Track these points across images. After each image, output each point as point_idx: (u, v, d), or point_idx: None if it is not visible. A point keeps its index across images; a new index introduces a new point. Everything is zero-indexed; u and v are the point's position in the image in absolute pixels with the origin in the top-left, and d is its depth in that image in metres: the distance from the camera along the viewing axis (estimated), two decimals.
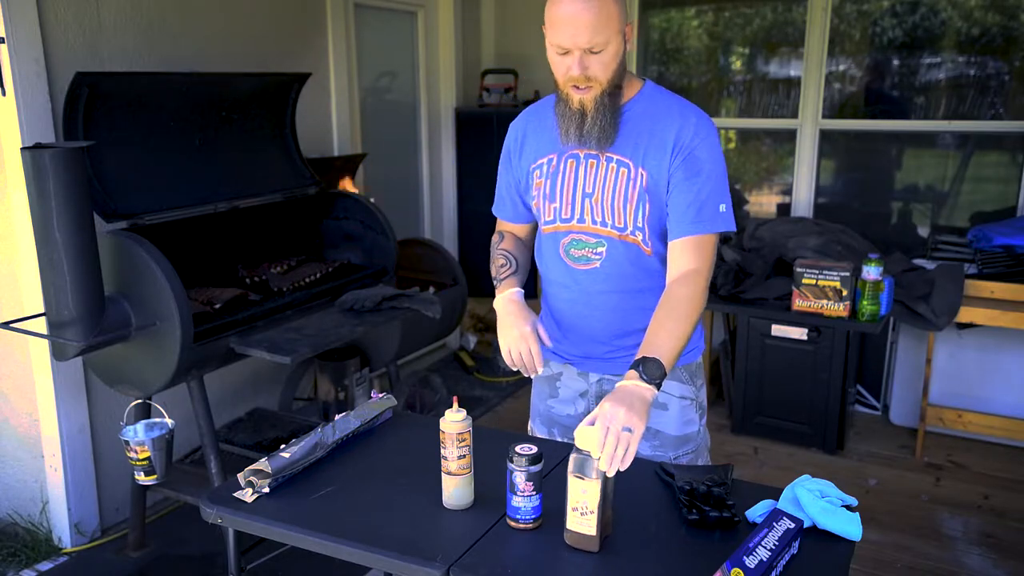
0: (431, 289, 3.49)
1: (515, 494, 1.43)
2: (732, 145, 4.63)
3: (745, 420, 3.85)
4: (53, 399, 2.83)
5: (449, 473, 1.50)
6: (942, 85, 4.06)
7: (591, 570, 1.35)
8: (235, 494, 1.55)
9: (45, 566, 2.84)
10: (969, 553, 2.96)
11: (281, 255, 3.31)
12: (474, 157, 4.86)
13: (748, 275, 3.78)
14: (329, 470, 1.65)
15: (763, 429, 3.82)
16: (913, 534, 3.06)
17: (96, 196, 2.56)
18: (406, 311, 3.00)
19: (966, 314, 3.47)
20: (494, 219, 1.97)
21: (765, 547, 1.31)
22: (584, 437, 1.36)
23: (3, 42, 2.55)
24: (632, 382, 1.48)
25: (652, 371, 1.49)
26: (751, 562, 1.27)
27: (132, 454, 2.41)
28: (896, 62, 4.14)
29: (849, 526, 1.43)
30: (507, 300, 1.77)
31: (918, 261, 3.84)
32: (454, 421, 1.49)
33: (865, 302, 3.35)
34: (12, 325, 2.50)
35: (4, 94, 2.59)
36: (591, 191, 1.70)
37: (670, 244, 1.68)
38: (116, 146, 2.67)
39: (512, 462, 1.41)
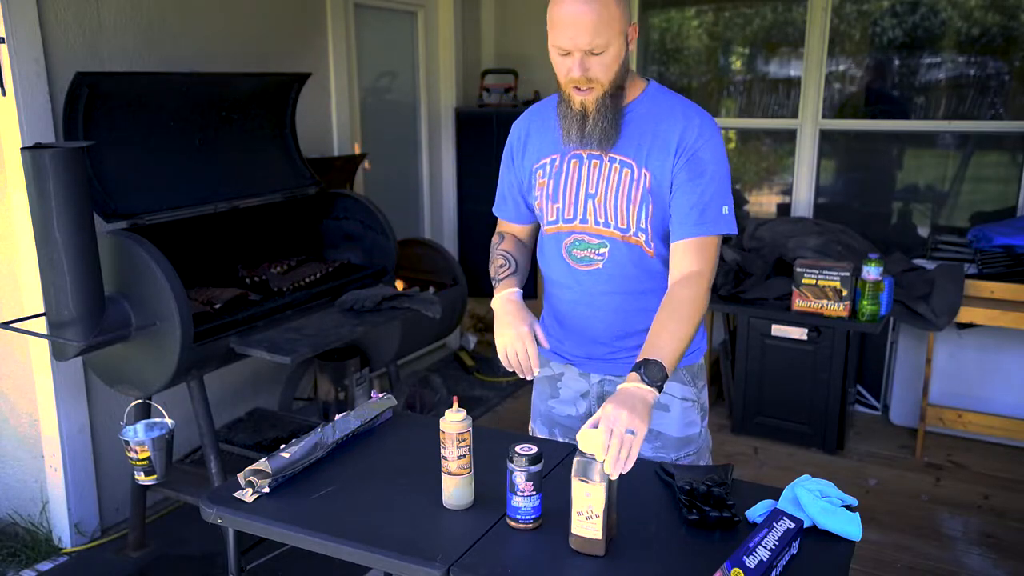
0: (431, 289, 3.49)
1: (515, 494, 1.43)
2: (732, 145, 4.63)
3: (745, 420, 3.85)
4: (53, 399, 2.83)
5: (449, 473, 1.50)
6: (942, 85, 4.06)
7: (591, 570, 1.35)
8: (235, 494, 1.55)
9: (45, 566, 2.84)
10: (969, 553, 2.96)
11: (281, 255, 3.31)
12: (474, 157, 4.86)
13: (748, 275, 3.78)
14: (329, 470, 1.65)
15: (763, 429, 3.82)
16: (913, 534, 3.06)
17: (96, 196, 2.56)
18: (406, 311, 3.00)
19: (966, 314, 3.47)
20: (494, 219, 1.96)
21: (765, 547, 1.31)
22: (587, 440, 1.35)
23: (3, 42, 2.55)
24: (634, 384, 1.47)
25: (654, 373, 1.49)
26: (751, 562, 1.27)
27: (132, 454, 2.41)
28: (896, 62, 4.14)
29: (849, 526, 1.43)
30: (505, 300, 1.76)
31: (918, 261, 3.84)
32: (454, 421, 1.49)
33: (865, 302, 3.35)
34: (12, 325, 2.50)
35: (4, 94, 2.59)
36: (594, 192, 1.70)
37: (672, 246, 1.67)
38: (116, 146, 2.67)
39: (512, 462, 1.41)
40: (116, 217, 2.61)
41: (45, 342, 2.70)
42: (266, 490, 1.55)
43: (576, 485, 1.36)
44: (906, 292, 3.57)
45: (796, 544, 1.38)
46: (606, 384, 1.84)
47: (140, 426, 2.47)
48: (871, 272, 3.33)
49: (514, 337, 1.68)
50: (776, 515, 1.40)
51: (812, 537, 1.43)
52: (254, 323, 2.75)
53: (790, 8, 4.32)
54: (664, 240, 1.70)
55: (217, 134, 3.04)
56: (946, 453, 3.72)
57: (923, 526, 3.12)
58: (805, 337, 3.61)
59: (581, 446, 1.36)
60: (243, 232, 3.20)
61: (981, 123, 3.99)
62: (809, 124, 4.33)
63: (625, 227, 1.69)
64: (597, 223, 1.71)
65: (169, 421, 2.47)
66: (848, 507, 1.48)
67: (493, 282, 1.83)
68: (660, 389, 1.49)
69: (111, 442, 3.02)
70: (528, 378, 1.69)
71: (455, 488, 1.51)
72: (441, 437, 1.49)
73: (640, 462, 1.68)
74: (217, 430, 2.84)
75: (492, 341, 4.86)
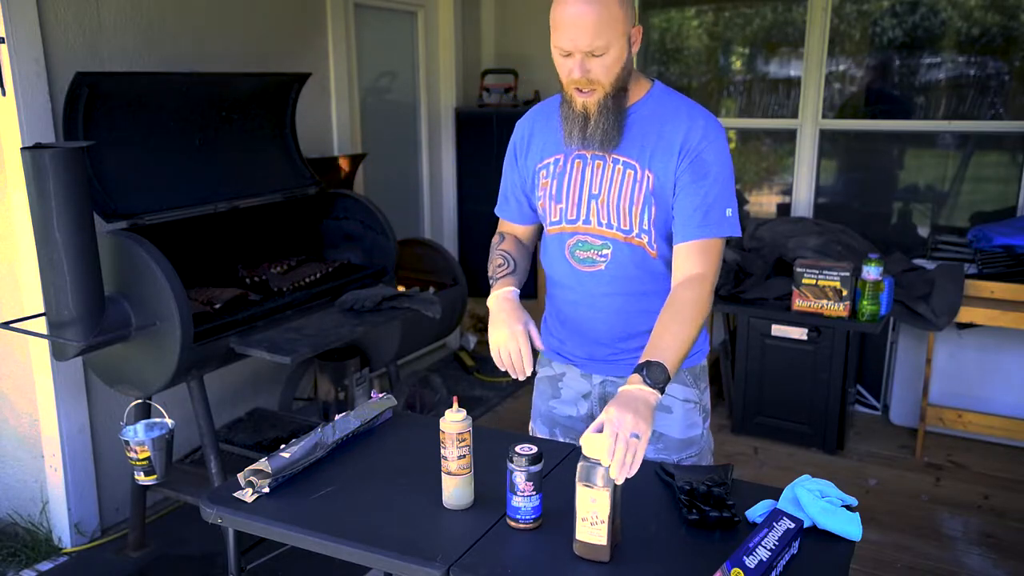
0: (431, 289, 3.49)
1: (515, 494, 1.42)
2: (732, 145, 4.63)
3: (745, 420, 3.85)
4: (53, 399, 2.83)
5: (449, 473, 1.50)
6: (942, 85, 4.06)
7: (591, 570, 1.35)
8: (235, 494, 1.55)
9: (45, 566, 2.84)
10: (969, 553, 2.96)
11: (281, 255, 3.31)
12: (474, 157, 4.86)
13: (748, 275, 3.78)
14: (329, 470, 1.65)
15: (763, 429, 3.82)
16: (913, 534, 3.06)
17: (96, 196, 2.56)
18: (406, 311, 3.00)
19: (966, 314, 3.47)
20: (494, 219, 1.96)
21: (765, 547, 1.31)
22: (592, 445, 1.34)
23: (3, 42, 2.55)
24: (636, 386, 1.46)
25: (656, 375, 1.48)
26: (751, 562, 1.27)
27: (132, 454, 2.41)
28: (896, 62, 4.14)
29: (849, 526, 1.43)
30: (501, 299, 1.75)
31: (918, 261, 3.84)
32: (454, 421, 1.49)
33: (865, 302, 3.35)
34: (12, 325, 2.50)
35: (4, 94, 2.59)
36: (597, 192, 1.69)
37: (675, 248, 1.67)
38: (116, 146, 2.67)
39: (512, 462, 1.41)
40: (116, 217, 2.61)
41: (45, 342, 2.70)
42: (266, 490, 1.55)
43: (580, 491, 1.34)
44: (906, 292, 3.57)
45: (796, 544, 1.38)
46: (608, 385, 1.83)
47: (140, 426, 2.47)
48: (871, 272, 3.33)
49: (508, 336, 1.66)
50: (776, 515, 1.40)
51: (812, 537, 1.43)
52: (254, 323, 2.75)
53: (790, 8, 4.32)
54: (667, 241, 1.70)
55: (217, 134, 3.04)
56: (946, 453, 3.72)
57: (923, 526, 3.12)
58: (805, 337, 3.61)
59: (585, 451, 1.34)
60: (243, 232, 3.20)
61: (981, 123, 3.99)
62: (809, 124, 4.33)
63: (628, 228, 1.68)
64: (600, 224, 1.70)
65: (169, 421, 2.47)
66: (848, 507, 1.48)
67: (490, 281, 1.82)
68: (662, 391, 1.48)
69: (111, 442, 3.02)
70: (520, 378, 1.66)
71: (455, 488, 1.50)
72: (441, 437, 1.49)
73: (641, 463, 1.69)
74: (217, 430, 2.84)
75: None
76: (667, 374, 1.49)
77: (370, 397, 1.91)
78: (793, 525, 1.38)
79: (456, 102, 4.82)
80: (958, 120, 4.03)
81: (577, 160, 1.72)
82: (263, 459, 1.56)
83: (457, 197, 4.97)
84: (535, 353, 1.70)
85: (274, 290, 3.00)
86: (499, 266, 1.81)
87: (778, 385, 3.74)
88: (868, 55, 4.19)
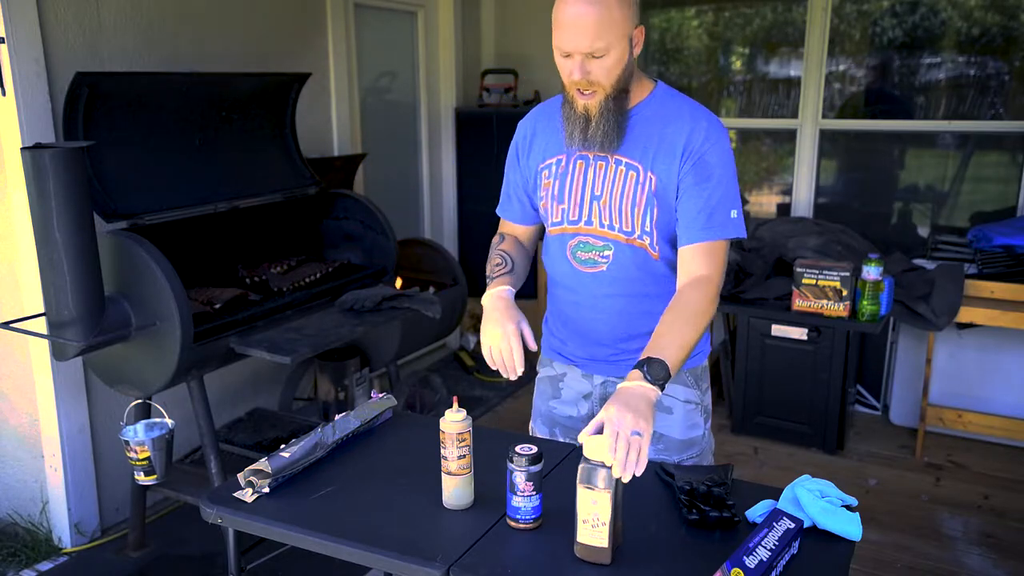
0: (431, 289, 3.49)
1: (515, 494, 1.42)
2: (732, 145, 4.62)
3: (745, 420, 3.85)
4: (53, 399, 2.83)
5: (449, 473, 1.50)
6: (942, 85, 4.06)
7: (591, 569, 1.34)
8: (235, 494, 1.55)
9: (45, 566, 2.84)
10: (969, 553, 2.96)
11: (281, 255, 3.31)
12: (474, 157, 4.86)
13: (748, 275, 3.78)
14: (329, 470, 1.65)
15: (763, 429, 3.82)
16: (913, 534, 3.06)
17: (96, 196, 2.56)
18: (406, 311, 3.00)
19: (966, 314, 3.47)
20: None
21: (765, 547, 1.31)
22: (593, 447, 1.33)
23: (3, 42, 2.55)
24: (635, 383, 1.46)
25: (656, 372, 1.47)
26: (751, 562, 1.27)
27: (132, 454, 2.41)
28: (896, 62, 4.14)
29: (849, 526, 1.43)
30: (495, 297, 1.73)
31: (918, 261, 3.84)
32: (454, 421, 1.49)
33: (865, 302, 3.35)
34: (12, 325, 2.50)
35: (4, 94, 2.59)
36: (599, 194, 1.69)
37: (680, 250, 1.66)
38: (116, 146, 2.67)
39: (512, 462, 1.40)
40: (116, 217, 2.61)
41: (45, 342, 2.70)
42: (266, 490, 1.55)
43: (581, 493, 1.34)
44: (906, 292, 3.57)
45: (796, 544, 1.37)
46: (609, 386, 1.83)
47: (140, 426, 2.47)
48: (871, 272, 3.33)
49: (500, 335, 1.64)
50: (776, 515, 1.40)
51: (812, 537, 1.43)
52: (254, 323, 2.75)
53: (790, 8, 4.32)
54: (670, 243, 1.69)
55: (217, 134, 3.04)
56: (946, 453, 3.72)
57: (923, 526, 3.12)
58: (805, 337, 3.61)
59: (586, 453, 1.33)
60: (243, 232, 3.20)
61: (981, 123, 3.99)
62: (809, 124, 4.33)
63: (630, 230, 1.68)
64: (602, 225, 1.70)
65: (169, 421, 2.47)
66: (848, 507, 1.48)
67: (487, 280, 1.80)
68: (662, 388, 1.47)
69: (111, 442, 3.02)
70: (512, 378, 1.65)
71: (455, 488, 1.50)
72: (441, 437, 1.49)
73: None
74: (217, 430, 2.84)
75: None
76: (668, 371, 1.48)
77: (370, 397, 1.91)
78: (793, 525, 1.38)
79: (456, 102, 4.82)
80: (958, 120, 4.03)
81: (579, 161, 1.71)
82: (263, 459, 1.56)
83: (457, 197, 4.97)
84: (533, 353, 1.70)
85: (274, 290, 3.00)
86: (497, 265, 1.81)
87: (778, 385, 3.74)
88: (868, 55, 4.19)
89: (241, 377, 3.53)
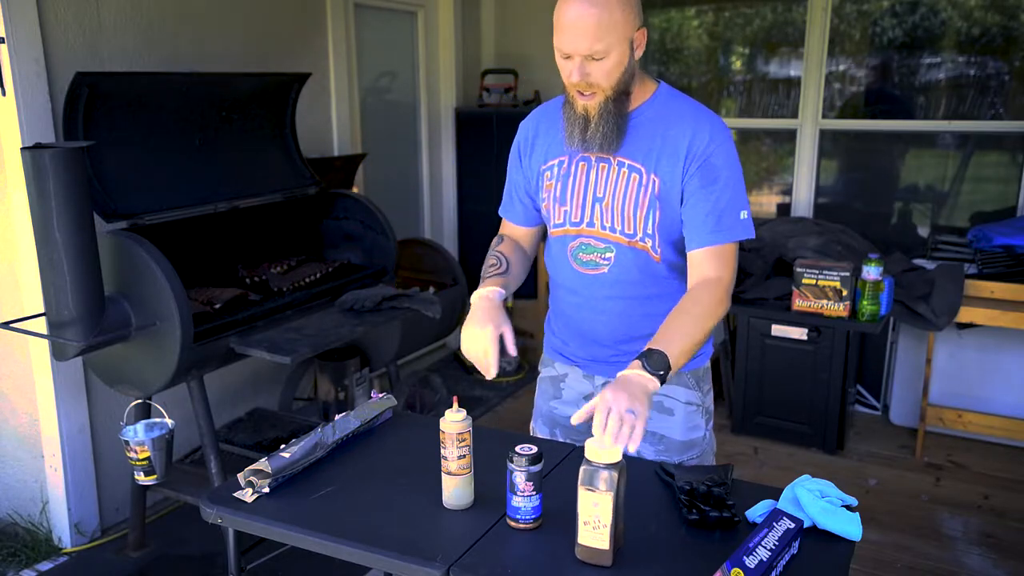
0: (431, 289, 3.49)
1: (515, 494, 1.42)
2: None
3: (745, 420, 3.85)
4: (53, 399, 2.83)
5: (449, 473, 1.50)
6: (942, 85, 4.06)
7: (591, 569, 1.34)
8: (235, 494, 1.55)
9: (45, 566, 2.84)
10: (969, 553, 2.96)
11: (281, 255, 3.31)
12: (474, 157, 4.86)
13: (748, 275, 3.78)
14: (329, 470, 1.65)
15: (763, 429, 3.82)
16: (913, 534, 3.06)
17: (96, 196, 2.56)
18: (406, 311, 3.00)
19: (966, 314, 3.47)
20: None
21: (765, 547, 1.31)
22: (595, 448, 1.33)
23: (3, 42, 2.55)
24: (634, 372, 1.45)
25: (656, 363, 1.46)
26: (751, 562, 1.27)
27: (132, 454, 2.41)
28: (896, 62, 4.14)
29: (849, 526, 1.43)
30: (482, 297, 1.71)
31: (918, 261, 3.84)
32: (454, 421, 1.49)
33: (865, 302, 3.35)
34: (12, 325, 2.50)
35: (4, 94, 2.59)
36: (601, 196, 1.68)
37: (690, 254, 1.65)
38: (116, 146, 2.67)
39: (512, 462, 1.40)
40: (116, 217, 2.61)
41: (45, 342, 2.70)
42: (266, 490, 1.55)
43: (583, 495, 1.33)
44: (906, 292, 3.57)
45: (796, 544, 1.37)
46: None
47: (140, 426, 2.47)
48: (871, 272, 3.33)
49: (477, 336, 1.62)
50: (776, 515, 1.40)
51: (812, 537, 1.43)
52: (254, 323, 2.75)
53: (790, 8, 4.32)
54: (672, 246, 1.68)
55: (217, 134, 3.04)
56: (946, 453, 3.72)
57: (923, 526, 3.12)
58: (805, 337, 3.61)
59: (588, 455, 1.33)
60: (243, 232, 3.20)
61: (981, 123, 3.99)
62: (809, 124, 4.33)
63: (631, 232, 1.67)
64: (604, 227, 1.69)
65: (169, 421, 2.47)
66: (848, 507, 1.48)
67: (481, 280, 1.79)
68: (662, 380, 1.46)
69: (111, 442, 3.02)
70: (488, 377, 1.63)
71: (455, 488, 1.50)
72: (441, 437, 1.49)
73: (641, 462, 1.69)
74: (217, 430, 2.84)
75: None
76: (668, 363, 1.47)
77: (370, 397, 1.91)
78: (793, 525, 1.38)
79: (456, 102, 4.82)
80: (958, 120, 4.03)
81: (582, 162, 1.70)
82: (263, 459, 1.56)
83: (457, 197, 4.97)
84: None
85: (274, 290, 3.00)
86: (491, 266, 1.79)
87: (778, 385, 3.74)
88: (868, 55, 4.19)
89: (241, 377, 3.53)
